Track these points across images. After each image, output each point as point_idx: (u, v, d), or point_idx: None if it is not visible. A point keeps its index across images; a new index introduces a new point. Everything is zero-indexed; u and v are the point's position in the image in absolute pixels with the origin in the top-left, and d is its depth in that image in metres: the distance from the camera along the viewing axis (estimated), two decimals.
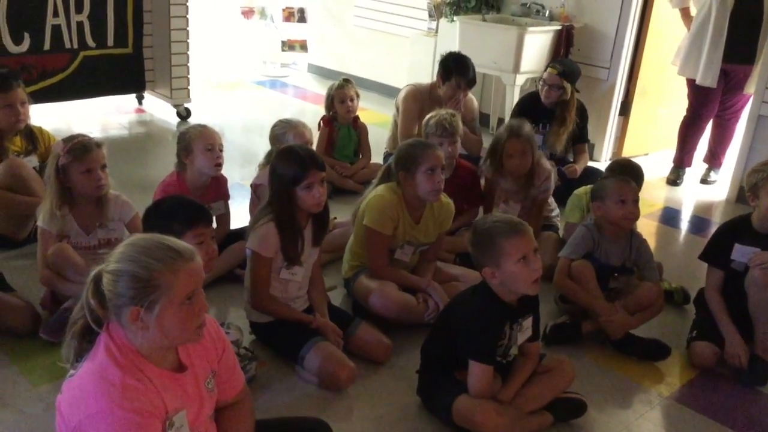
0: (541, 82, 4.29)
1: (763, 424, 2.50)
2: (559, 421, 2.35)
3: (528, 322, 2.30)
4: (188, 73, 5.49)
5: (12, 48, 4.69)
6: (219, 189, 3.22)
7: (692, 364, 2.79)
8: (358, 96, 4.42)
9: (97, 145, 2.70)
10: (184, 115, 5.54)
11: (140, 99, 5.81)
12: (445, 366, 2.30)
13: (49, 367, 2.46)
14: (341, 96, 4.35)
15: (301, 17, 7.38)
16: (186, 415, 1.59)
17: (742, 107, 4.85)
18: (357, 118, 4.47)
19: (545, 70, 4.31)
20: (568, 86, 4.20)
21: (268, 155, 3.41)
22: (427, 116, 3.50)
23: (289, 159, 2.48)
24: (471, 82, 4.15)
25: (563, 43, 5.17)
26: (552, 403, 2.32)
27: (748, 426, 2.48)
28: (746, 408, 2.59)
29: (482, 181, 3.58)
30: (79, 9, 4.91)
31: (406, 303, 2.75)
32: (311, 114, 6.13)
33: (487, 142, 3.81)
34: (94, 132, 4.88)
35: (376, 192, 2.89)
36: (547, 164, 3.52)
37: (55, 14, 4.83)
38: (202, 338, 1.63)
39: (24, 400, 2.32)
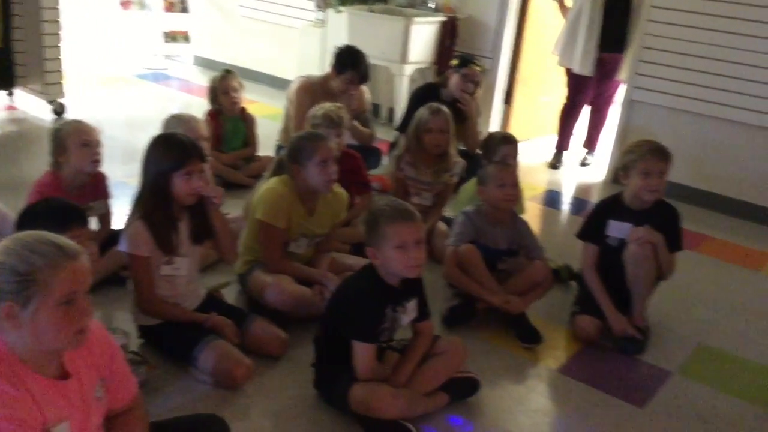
0: (459, 76, 4.33)
1: (644, 389, 2.67)
2: (454, 400, 2.41)
3: (412, 305, 2.34)
4: (61, 67, 5.20)
5: None
6: (98, 187, 3.08)
7: (576, 337, 2.94)
8: (242, 86, 4.34)
9: None
10: (59, 111, 5.25)
11: (10, 95, 5.46)
12: (338, 355, 2.31)
13: None
14: (224, 87, 4.26)
15: (183, 8, 7.15)
16: (69, 426, 1.51)
17: (614, 93, 5.13)
18: (244, 109, 4.40)
19: (464, 66, 4.34)
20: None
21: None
22: (314, 108, 3.49)
23: (169, 145, 2.41)
24: (364, 77, 4.18)
25: (448, 34, 5.28)
26: (447, 383, 2.38)
27: (630, 391, 2.64)
28: (627, 376, 2.75)
29: (389, 176, 3.66)
30: None
31: (301, 296, 2.73)
32: (198, 107, 5.92)
33: (382, 134, 3.86)
34: None
35: (268, 185, 2.85)
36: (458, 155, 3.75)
37: None
38: (81, 345, 1.54)
39: None
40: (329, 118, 3.37)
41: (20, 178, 3.88)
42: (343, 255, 3.14)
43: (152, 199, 2.39)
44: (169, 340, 2.49)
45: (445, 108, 3.62)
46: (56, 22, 5.04)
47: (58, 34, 5.09)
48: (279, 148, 4.36)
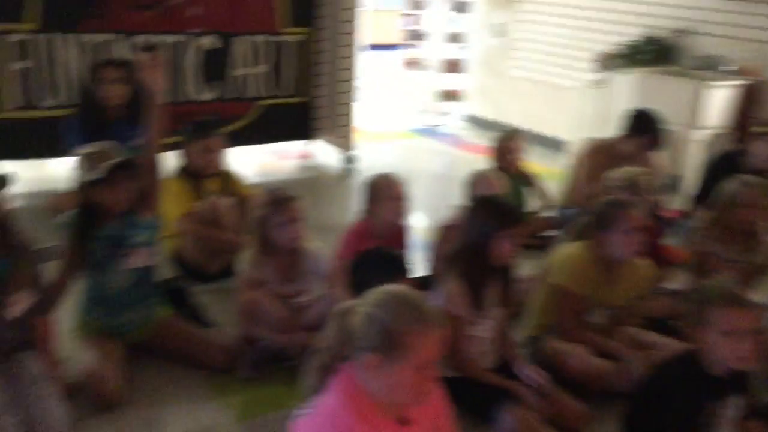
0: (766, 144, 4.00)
1: None
2: None
3: (738, 400, 2.11)
4: (353, 122, 5.68)
5: (201, 96, 5.06)
6: (401, 237, 3.25)
7: None
8: (526, 146, 4.36)
9: (294, 198, 2.81)
10: (349, 161, 5.71)
11: (308, 145, 6.05)
12: None
13: (249, 403, 2.55)
14: (510, 147, 4.30)
15: (460, 68, 7.47)
16: None
17: None
18: (525, 167, 4.41)
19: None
20: None
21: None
22: (614, 171, 3.38)
23: (494, 207, 2.47)
24: (658, 142, 3.99)
25: (749, 98, 4.87)
26: None
27: None
28: None
29: (687, 249, 3.42)
30: (260, 61, 5.24)
31: (604, 369, 2.62)
32: (465, 162, 6.15)
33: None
34: (265, 175, 5.12)
35: (568, 249, 2.80)
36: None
37: (240, 66, 5.17)
38: (425, 402, 1.62)
39: None
40: (631, 182, 3.25)
41: (319, 220, 4.25)
42: (642, 331, 2.97)
43: (472, 259, 2.45)
44: (469, 395, 2.51)
45: (760, 181, 3.31)
46: (350, 81, 5.54)
47: (353, 92, 5.58)
48: (560, 210, 4.31)
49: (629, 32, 5.72)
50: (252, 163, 5.57)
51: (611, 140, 4.18)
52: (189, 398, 2.57)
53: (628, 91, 5.27)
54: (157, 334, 2.76)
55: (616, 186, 3.29)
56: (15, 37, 4.26)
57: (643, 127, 3.96)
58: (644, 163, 3.92)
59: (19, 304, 2.27)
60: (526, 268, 3.43)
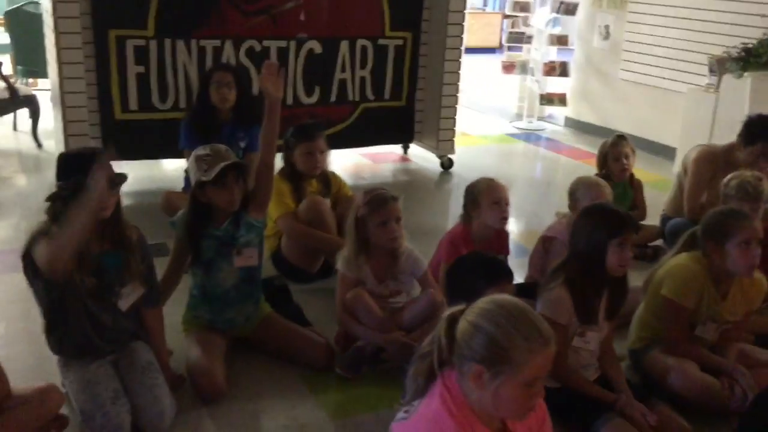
0: None
1: None
2: None
3: None
4: (454, 126, 5.66)
5: (304, 99, 5.19)
6: (500, 243, 3.21)
7: None
8: (633, 153, 4.20)
9: (393, 198, 2.82)
10: (447, 165, 5.70)
11: (406, 148, 6.09)
12: None
13: (344, 402, 2.59)
14: (616, 153, 4.15)
15: (563, 71, 7.30)
16: None
17: None
18: (632, 175, 4.25)
19: None
20: None
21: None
22: (728, 177, 3.22)
23: (605, 215, 2.40)
24: None
25: None
26: None
27: None
28: None
29: None
30: (363, 65, 5.31)
31: (709, 386, 2.50)
32: (565, 168, 6.01)
33: None
34: (360, 178, 5.19)
35: (678, 261, 2.68)
36: None
37: (343, 70, 5.26)
38: (528, 418, 1.60)
39: None
40: (745, 189, 3.08)
41: (415, 224, 4.26)
42: (754, 348, 2.81)
43: (581, 267, 2.39)
44: (570, 407, 2.45)
45: None
46: (455, 84, 5.51)
47: (456, 96, 5.56)
48: (665, 218, 4.14)
49: (745, 34, 5.42)
50: (347, 165, 5.67)
51: (725, 147, 3.97)
52: (286, 394, 2.63)
53: (743, 95, 5.00)
54: (259, 331, 2.85)
55: (731, 195, 3.13)
56: (134, 43, 4.51)
57: (762, 134, 3.73)
58: (761, 173, 3.70)
59: (132, 296, 2.41)
60: (630, 279, 3.31)
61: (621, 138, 4.23)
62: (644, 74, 6.51)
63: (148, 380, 2.36)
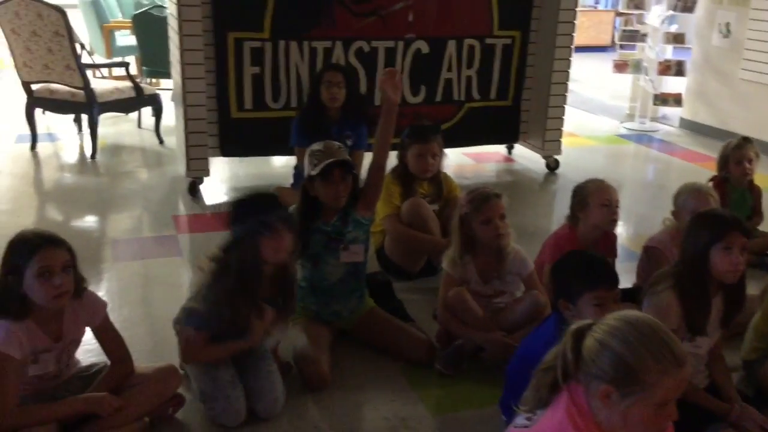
0: None
1: None
2: None
3: None
4: (562, 126, 5.55)
5: (410, 99, 5.23)
6: (608, 246, 3.13)
7: None
8: (758, 156, 3.98)
9: (496, 195, 2.81)
10: (552, 166, 5.60)
11: (510, 149, 6.03)
12: None
13: (444, 398, 2.62)
14: (738, 156, 3.95)
15: (679, 70, 7.00)
16: None
17: None
18: (752, 181, 4.04)
19: None
20: None
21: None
22: None
23: (707, 218, 2.32)
24: None
25: None
26: None
27: None
28: None
29: None
30: (469, 64, 5.30)
31: None
32: (679, 171, 5.76)
33: None
34: (464, 178, 5.17)
35: None
36: None
37: (449, 69, 5.27)
38: None
39: (425, 428, 2.48)
40: None
41: (519, 225, 4.20)
42: None
43: (689, 273, 2.31)
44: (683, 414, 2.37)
45: None
46: (564, 84, 5.41)
47: (564, 95, 5.45)
48: None
49: None
50: (451, 165, 5.66)
51: None
52: (387, 388, 2.68)
53: None
54: (362, 324, 2.92)
55: None
56: (251, 45, 4.70)
57: None
58: None
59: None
60: (747, 287, 3.15)
61: (746, 140, 4.01)
62: (767, 74, 6.14)
63: (265, 366, 2.48)
